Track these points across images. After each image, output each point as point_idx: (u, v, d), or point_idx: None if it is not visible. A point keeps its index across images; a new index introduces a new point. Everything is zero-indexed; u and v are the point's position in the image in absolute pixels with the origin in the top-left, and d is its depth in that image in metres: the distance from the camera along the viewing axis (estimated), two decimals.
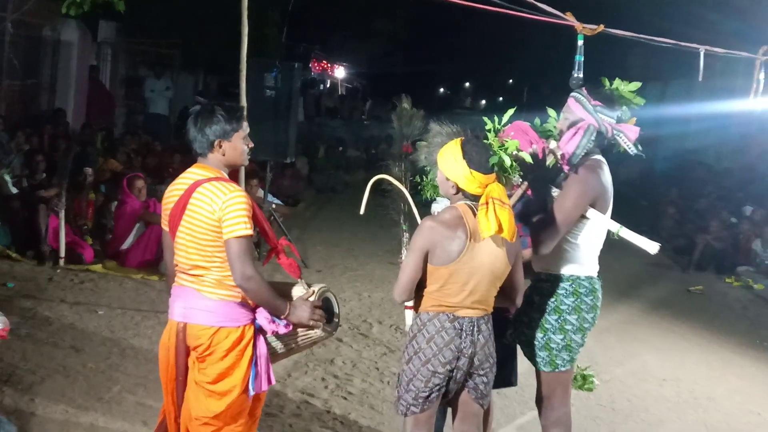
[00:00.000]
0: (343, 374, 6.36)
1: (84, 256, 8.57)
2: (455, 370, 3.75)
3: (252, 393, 3.70)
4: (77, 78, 14.84)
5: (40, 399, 5.19)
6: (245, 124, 3.77)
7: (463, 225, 3.68)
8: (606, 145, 4.16)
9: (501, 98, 51.98)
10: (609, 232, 4.14)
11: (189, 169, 3.76)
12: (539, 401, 4.36)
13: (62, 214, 8.41)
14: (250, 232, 3.57)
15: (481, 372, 3.82)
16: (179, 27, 17.20)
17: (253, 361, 3.70)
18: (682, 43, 5.35)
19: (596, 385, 6.69)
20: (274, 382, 3.81)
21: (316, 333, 3.88)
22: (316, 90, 28.75)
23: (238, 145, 3.74)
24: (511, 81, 51.73)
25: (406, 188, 4.65)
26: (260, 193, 10.39)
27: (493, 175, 3.72)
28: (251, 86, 8.96)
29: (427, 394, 3.76)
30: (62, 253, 8.40)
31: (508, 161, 3.75)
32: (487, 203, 3.62)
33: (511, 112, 3.99)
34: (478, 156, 3.70)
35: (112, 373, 5.75)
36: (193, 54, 17.84)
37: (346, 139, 20.15)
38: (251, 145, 3.83)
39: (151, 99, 16.43)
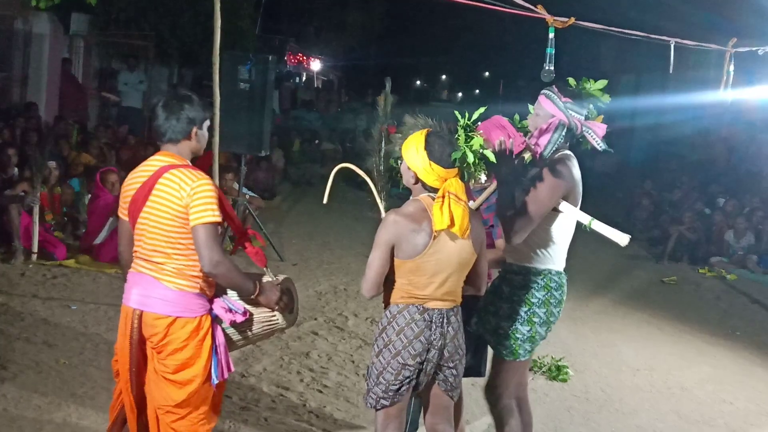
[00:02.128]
0: (319, 367, 6.35)
1: (56, 255, 8.48)
2: (425, 363, 3.75)
3: (215, 381, 3.73)
4: (49, 71, 14.66)
5: (13, 395, 5.14)
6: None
7: (427, 218, 3.67)
8: (575, 141, 4.21)
9: (477, 91, 52.16)
10: (580, 225, 4.18)
11: (153, 157, 3.77)
12: (493, 388, 4.40)
13: (36, 210, 8.33)
14: (218, 219, 3.59)
15: (451, 364, 3.82)
16: (152, 19, 17.05)
17: (214, 350, 3.71)
18: (653, 36, 5.40)
19: (570, 375, 6.75)
20: (233, 369, 3.83)
21: (276, 323, 3.91)
22: (292, 83, 28.62)
23: (205, 133, 3.80)
24: (487, 74, 51.90)
25: (383, 176, 4.62)
26: (235, 186, 10.34)
27: (454, 170, 3.70)
28: (225, 79, 8.95)
29: (397, 386, 3.74)
30: (35, 249, 8.32)
31: (471, 157, 3.72)
32: (443, 197, 3.62)
33: (482, 110, 3.97)
34: (440, 149, 3.69)
35: (85, 369, 5.70)
36: (167, 47, 17.69)
37: (321, 132, 20.09)
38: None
39: (125, 92, 16.29)
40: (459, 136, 3.75)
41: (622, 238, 4.07)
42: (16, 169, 9.47)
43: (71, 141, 12.02)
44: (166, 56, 18.28)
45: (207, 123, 3.79)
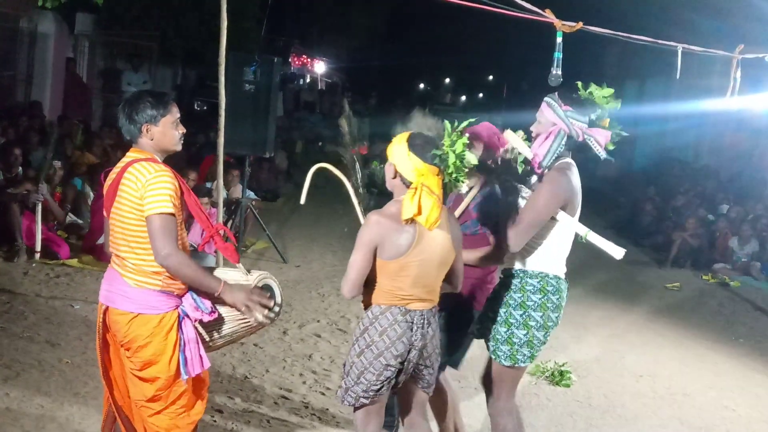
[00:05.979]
0: (321, 370, 6.35)
1: (60, 254, 8.49)
2: (406, 362, 3.77)
3: (185, 377, 3.72)
4: (54, 70, 14.70)
5: (15, 394, 5.14)
6: (175, 109, 3.81)
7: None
8: (576, 148, 4.19)
9: (481, 94, 52.15)
10: (576, 236, 4.18)
11: (126, 154, 3.82)
12: (489, 389, 4.41)
13: (39, 208, 8.32)
14: (171, 210, 3.59)
15: (429, 363, 3.86)
16: (157, 19, 17.07)
17: (181, 346, 3.71)
18: (660, 41, 5.39)
19: (573, 381, 6.74)
20: (208, 365, 3.80)
21: (250, 323, 3.86)
22: (296, 84, 28.66)
23: (167, 131, 3.77)
24: (491, 77, 51.91)
25: (364, 196, 4.60)
26: (239, 187, 10.33)
27: (435, 169, 3.69)
28: (230, 80, 8.95)
29: (378, 387, 3.76)
30: (38, 248, 8.32)
31: (453, 158, 3.72)
32: (416, 188, 3.63)
33: (472, 120, 4.00)
34: (421, 144, 3.70)
35: (88, 368, 5.69)
36: (172, 47, 17.71)
37: (324, 135, 20.10)
38: (183, 130, 3.85)
39: (128, 92, 16.27)
40: (444, 141, 3.74)
41: (617, 252, 4.09)
42: (20, 168, 9.49)
43: (75, 140, 12.03)
44: (171, 57, 18.30)
45: (168, 119, 3.74)
